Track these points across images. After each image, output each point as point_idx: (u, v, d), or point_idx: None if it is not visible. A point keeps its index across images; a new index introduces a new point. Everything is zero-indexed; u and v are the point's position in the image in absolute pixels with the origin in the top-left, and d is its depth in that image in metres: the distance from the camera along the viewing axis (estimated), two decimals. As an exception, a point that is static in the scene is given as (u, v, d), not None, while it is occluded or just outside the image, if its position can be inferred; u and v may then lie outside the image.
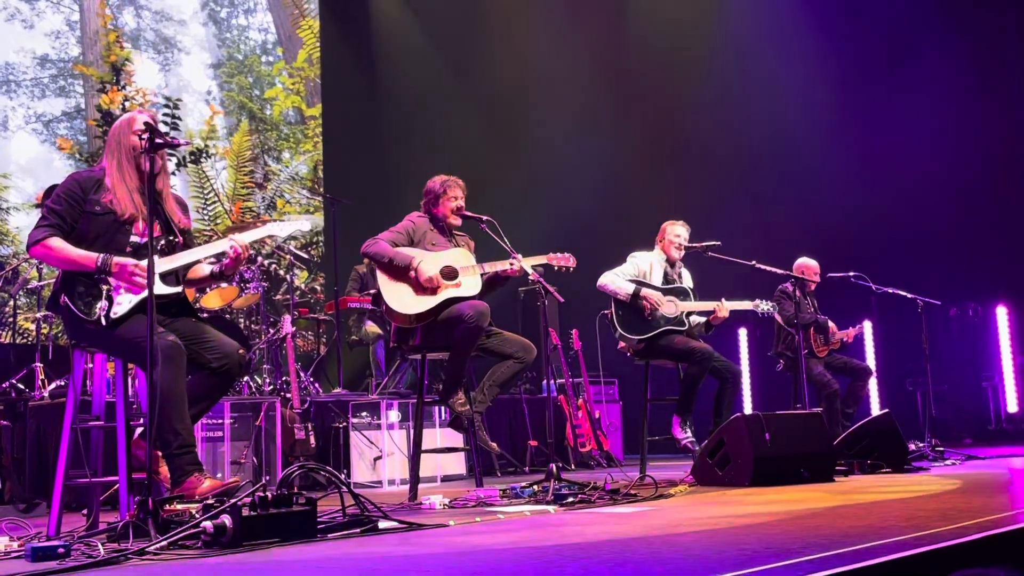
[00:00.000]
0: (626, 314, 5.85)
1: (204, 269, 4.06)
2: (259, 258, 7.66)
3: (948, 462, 6.28)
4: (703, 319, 6.01)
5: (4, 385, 6.52)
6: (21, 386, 6.63)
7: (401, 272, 4.89)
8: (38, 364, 6.67)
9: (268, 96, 11.01)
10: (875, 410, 8.63)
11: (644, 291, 5.81)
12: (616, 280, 5.89)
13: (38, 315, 7.05)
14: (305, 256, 8.80)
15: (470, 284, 4.95)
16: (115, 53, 9.36)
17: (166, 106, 9.34)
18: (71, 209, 3.77)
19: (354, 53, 11.86)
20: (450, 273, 4.93)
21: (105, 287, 3.69)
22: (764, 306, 6.11)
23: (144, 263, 3.61)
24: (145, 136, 3.56)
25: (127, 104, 9.21)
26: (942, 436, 7.43)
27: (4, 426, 5.63)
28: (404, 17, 12.03)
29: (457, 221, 5.15)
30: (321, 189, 11.08)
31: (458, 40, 11.76)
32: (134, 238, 3.82)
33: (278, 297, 9.44)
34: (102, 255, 3.68)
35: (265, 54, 11.24)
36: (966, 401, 9.60)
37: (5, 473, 5.49)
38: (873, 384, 8.57)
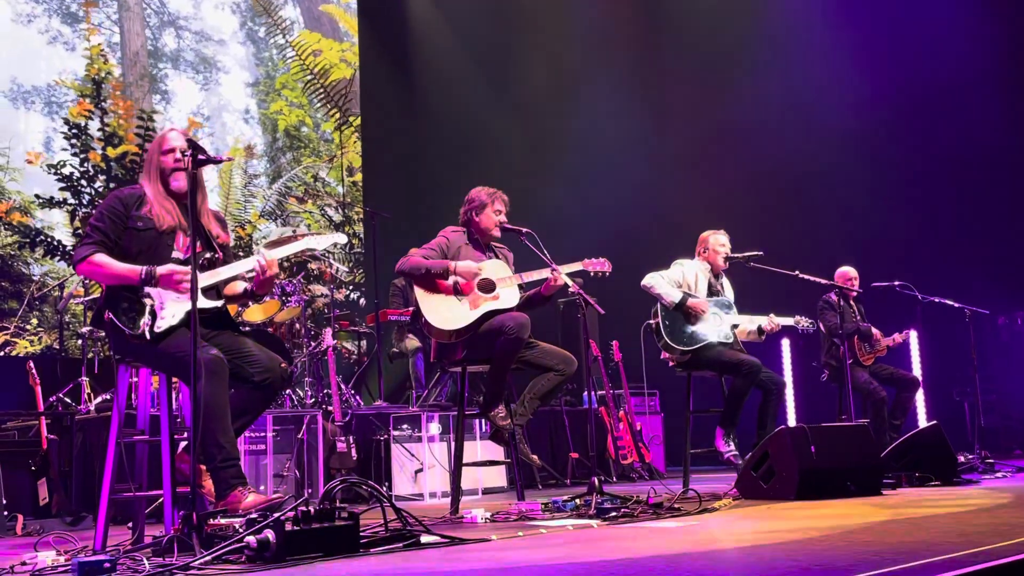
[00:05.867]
0: (672, 324, 5.77)
1: (239, 286, 4.06)
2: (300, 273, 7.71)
3: (998, 474, 6.14)
4: (754, 327, 5.94)
5: (51, 399, 6.61)
6: (68, 400, 6.72)
7: (439, 284, 4.87)
8: (84, 378, 6.76)
9: (273, 110, 11.02)
10: (922, 421, 8.46)
11: (691, 299, 5.75)
12: (662, 284, 5.80)
13: (83, 330, 7.15)
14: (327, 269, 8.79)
15: (508, 296, 4.91)
16: (97, 66, 9.42)
17: (140, 119, 9.40)
18: (114, 225, 3.82)
19: (391, 66, 11.93)
20: (487, 286, 4.90)
21: (149, 302, 3.73)
22: (804, 323, 6.04)
23: (188, 268, 3.65)
24: (188, 153, 3.60)
25: (106, 119, 9.23)
26: (991, 447, 7.28)
27: (51, 440, 5.70)
28: (441, 28, 12.07)
29: (497, 234, 5.12)
30: (359, 202, 11.14)
31: (495, 50, 11.77)
32: (176, 254, 3.86)
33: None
34: (146, 267, 3.72)
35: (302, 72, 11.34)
36: (1015, 411, 9.40)
37: (52, 486, 5.56)
38: (920, 395, 8.42)
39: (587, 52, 11.21)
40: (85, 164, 8.96)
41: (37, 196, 8.76)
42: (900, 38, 9.71)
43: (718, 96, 10.45)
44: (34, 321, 8.52)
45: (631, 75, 11.01)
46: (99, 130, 9.10)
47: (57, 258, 8.68)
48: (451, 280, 4.87)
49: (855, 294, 7.29)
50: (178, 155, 3.83)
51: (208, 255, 3.91)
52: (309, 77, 11.31)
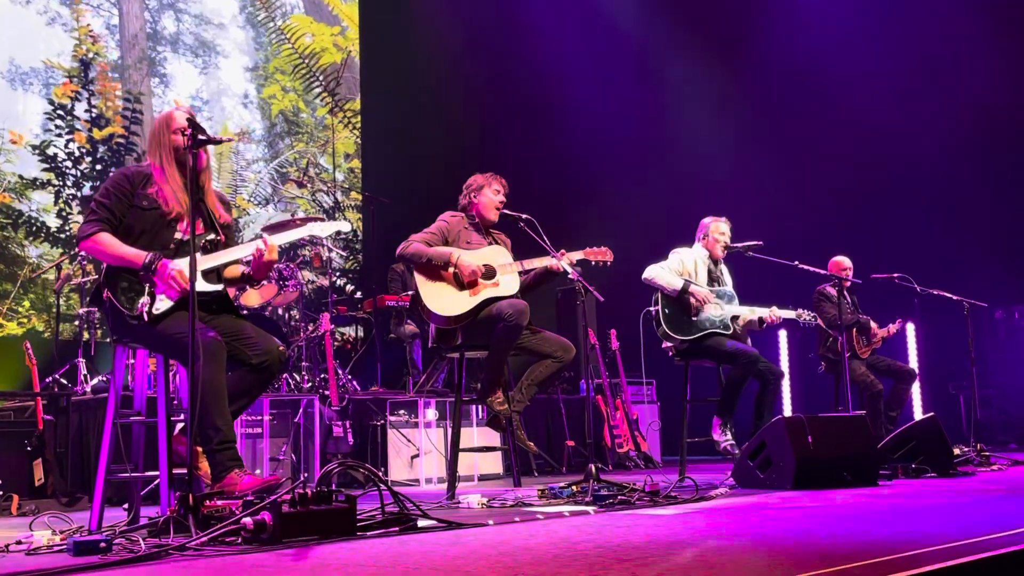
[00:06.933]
0: (673, 313, 5.75)
1: (238, 269, 4.05)
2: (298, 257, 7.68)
3: (994, 467, 6.16)
4: (755, 317, 5.92)
5: (47, 380, 6.60)
6: (64, 381, 6.71)
7: (439, 271, 4.87)
8: (81, 359, 6.75)
9: (267, 94, 10.92)
10: (918, 414, 8.49)
11: (692, 287, 5.73)
12: (663, 274, 5.79)
13: (81, 311, 7.14)
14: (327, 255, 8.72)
15: (508, 283, 4.91)
16: (86, 46, 9.28)
17: (126, 100, 9.32)
18: (119, 203, 3.80)
19: (391, 49, 11.85)
20: (488, 272, 4.90)
21: (148, 283, 3.71)
22: (806, 316, 6.04)
23: (180, 263, 3.64)
24: (188, 132, 3.58)
25: (92, 100, 9.12)
26: (987, 440, 7.31)
27: (47, 420, 5.70)
28: (442, 11, 11.96)
29: (495, 217, 5.12)
30: (356, 188, 11.09)
31: (497, 34, 11.69)
32: (178, 235, 3.84)
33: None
34: (151, 254, 3.70)
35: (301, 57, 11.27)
36: (1011, 405, 9.43)
37: (48, 467, 5.56)
38: (916, 387, 8.44)
39: (589, 34, 11.15)
40: (70, 145, 8.89)
41: (21, 177, 8.68)
42: (900, 18, 9.69)
43: (719, 82, 10.41)
44: (26, 303, 8.48)
45: (633, 57, 10.96)
46: (86, 111, 9.04)
47: (42, 239, 8.62)
48: (452, 271, 4.87)
49: (849, 284, 7.29)
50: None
51: (211, 237, 3.89)
52: (299, 61, 11.23)
